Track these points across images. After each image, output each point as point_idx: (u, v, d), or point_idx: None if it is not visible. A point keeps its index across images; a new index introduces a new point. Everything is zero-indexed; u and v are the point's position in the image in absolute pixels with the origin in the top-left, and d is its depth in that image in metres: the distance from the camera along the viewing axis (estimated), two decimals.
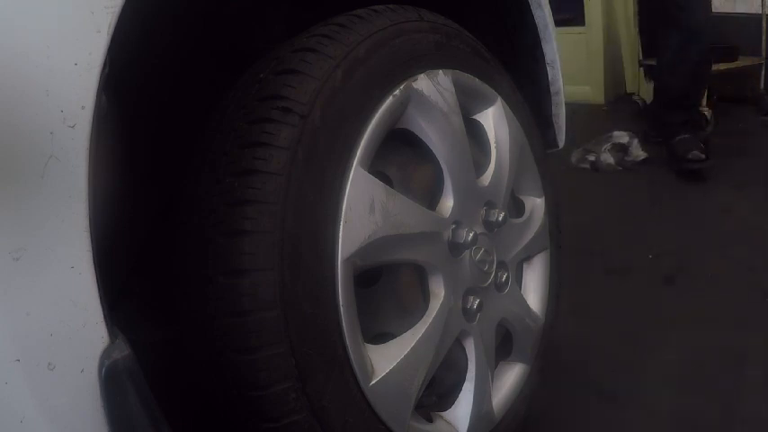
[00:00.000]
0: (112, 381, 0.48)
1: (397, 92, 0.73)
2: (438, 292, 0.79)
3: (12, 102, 0.42)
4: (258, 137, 0.62)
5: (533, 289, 1.08)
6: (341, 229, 0.65)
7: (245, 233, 0.60)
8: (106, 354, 0.48)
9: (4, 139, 0.41)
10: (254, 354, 0.60)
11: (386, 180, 0.74)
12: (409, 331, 0.75)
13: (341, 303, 0.65)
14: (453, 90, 0.83)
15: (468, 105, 0.90)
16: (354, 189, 0.66)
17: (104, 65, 0.46)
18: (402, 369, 0.72)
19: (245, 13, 0.86)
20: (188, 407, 0.70)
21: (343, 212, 0.65)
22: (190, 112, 0.75)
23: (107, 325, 0.48)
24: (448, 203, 0.81)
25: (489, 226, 0.88)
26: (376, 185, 0.70)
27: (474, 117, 0.93)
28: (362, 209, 0.67)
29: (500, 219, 0.88)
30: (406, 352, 0.72)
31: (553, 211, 1.12)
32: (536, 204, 1.07)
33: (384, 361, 0.70)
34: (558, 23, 1.12)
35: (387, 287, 0.77)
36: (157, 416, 0.51)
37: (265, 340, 0.60)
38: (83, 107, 0.45)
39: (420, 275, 0.79)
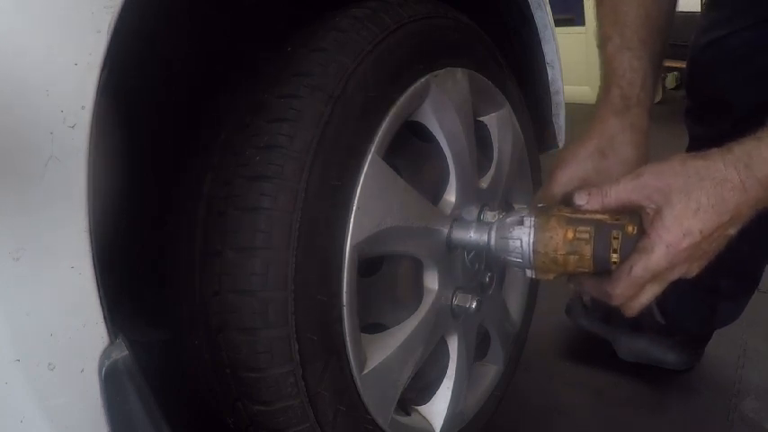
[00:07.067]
0: (112, 381, 0.48)
1: (418, 84, 0.72)
2: (432, 287, 0.79)
3: (12, 102, 0.42)
4: (285, 113, 0.60)
5: (513, 294, 1.08)
6: (353, 214, 0.64)
7: (261, 210, 0.58)
8: (106, 354, 0.48)
9: (3, 139, 0.41)
10: (256, 334, 0.59)
11: (395, 170, 0.73)
12: (402, 324, 0.75)
13: (345, 290, 0.64)
14: (468, 90, 0.82)
15: (477, 106, 0.90)
16: (369, 176, 0.65)
17: (104, 65, 0.46)
18: (393, 361, 0.72)
19: (245, 12, 0.86)
20: (187, 407, 0.70)
21: (356, 198, 0.64)
22: (190, 111, 0.75)
23: (107, 325, 0.48)
24: (450, 200, 0.81)
25: None
26: (389, 174, 0.69)
27: (480, 119, 0.93)
28: (375, 196, 0.66)
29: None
30: (398, 344, 0.72)
31: None
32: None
33: (377, 351, 0.70)
34: (557, 23, 1.12)
35: (383, 278, 0.77)
36: (157, 416, 0.51)
37: (271, 322, 0.58)
38: (83, 107, 0.45)
39: (416, 269, 0.79)
